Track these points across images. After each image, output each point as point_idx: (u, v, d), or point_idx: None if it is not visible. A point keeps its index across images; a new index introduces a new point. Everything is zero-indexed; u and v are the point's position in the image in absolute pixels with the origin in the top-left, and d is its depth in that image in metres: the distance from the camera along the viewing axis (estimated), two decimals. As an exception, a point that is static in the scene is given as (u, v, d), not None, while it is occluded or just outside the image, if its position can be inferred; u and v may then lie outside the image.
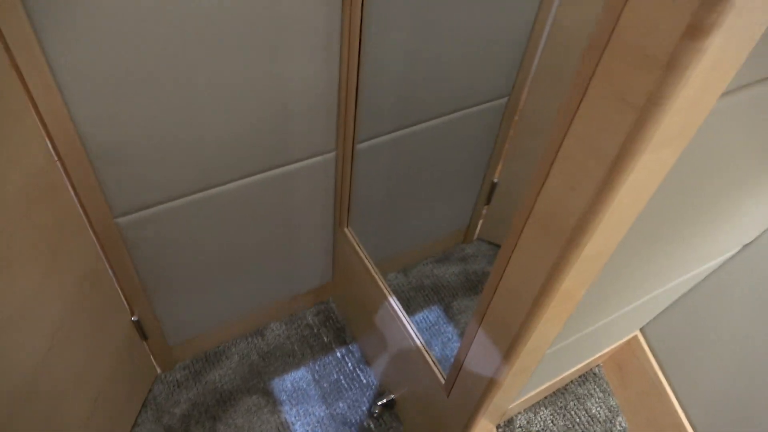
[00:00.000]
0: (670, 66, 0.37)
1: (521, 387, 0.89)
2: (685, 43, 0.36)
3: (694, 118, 0.44)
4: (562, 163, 0.51)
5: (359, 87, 0.92)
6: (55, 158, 0.73)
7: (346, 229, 1.19)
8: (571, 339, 0.83)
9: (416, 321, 1.46)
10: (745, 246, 0.98)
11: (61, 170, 0.75)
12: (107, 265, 0.92)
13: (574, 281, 0.60)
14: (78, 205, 0.81)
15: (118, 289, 0.98)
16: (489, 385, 0.81)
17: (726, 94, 0.44)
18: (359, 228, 1.20)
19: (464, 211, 1.49)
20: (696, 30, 0.35)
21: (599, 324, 0.86)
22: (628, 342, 1.13)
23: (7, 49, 0.62)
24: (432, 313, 1.48)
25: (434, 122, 1.12)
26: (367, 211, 1.22)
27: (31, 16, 0.60)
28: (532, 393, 1.00)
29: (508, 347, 0.72)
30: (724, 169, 0.61)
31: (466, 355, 0.84)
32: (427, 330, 1.45)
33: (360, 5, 0.82)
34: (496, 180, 1.43)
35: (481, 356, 0.80)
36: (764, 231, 0.95)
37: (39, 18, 0.61)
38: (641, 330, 1.12)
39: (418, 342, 1.05)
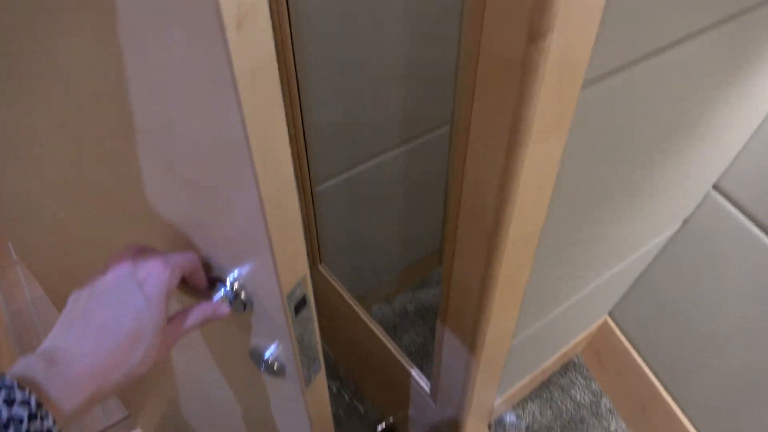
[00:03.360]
0: (524, 65, 0.46)
1: (498, 380, 0.95)
2: (531, 46, 0.45)
3: (565, 108, 0.52)
4: (471, 161, 0.59)
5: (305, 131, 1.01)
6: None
7: (320, 267, 1.26)
8: (534, 327, 0.90)
9: (405, 345, 1.52)
10: (686, 220, 1.07)
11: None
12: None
13: (512, 265, 0.67)
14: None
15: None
16: (465, 381, 0.87)
17: (588, 84, 0.53)
18: (334, 265, 1.27)
19: (434, 233, 1.57)
20: (535, 34, 0.44)
21: (558, 311, 0.93)
22: (600, 328, 1.20)
23: None
24: (419, 336, 1.54)
25: (388, 155, 1.21)
26: (340, 247, 1.30)
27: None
28: (516, 388, 1.05)
29: (471, 339, 0.78)
30: (625, 150, 0.70)
31: (440, 357, 0.91)
32: (416, 352, 1.50)
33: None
34: (457, 199, 1.51)
35: (451, 356, 0.87)
36: (700, 203, 1.04)
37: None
38: (609, 314, 1.19)
39: (404, 363, 1.10)
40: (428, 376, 1.04)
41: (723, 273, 0.97)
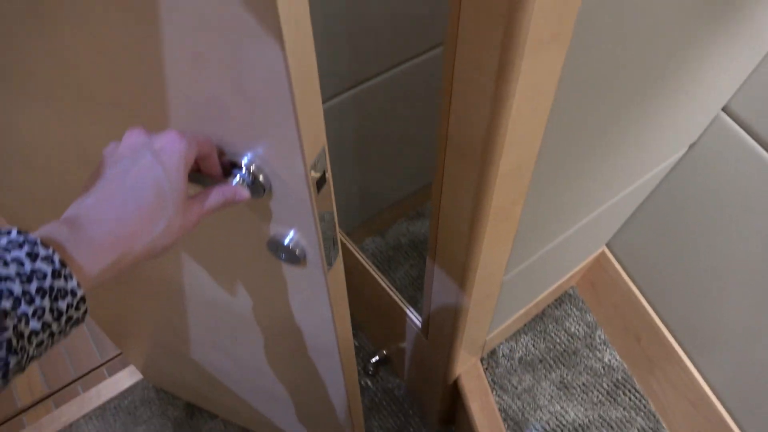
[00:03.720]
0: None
1: (490, 316, 0.92)
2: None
3: (565, 17, 0.46)
4: (458, 86, 0.53)
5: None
6: None
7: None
8: (528, 262, 0.86)
9: (399, 278, 1.49)
10: (692, 146, 1.01)
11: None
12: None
13: (503, 199, 0.62)
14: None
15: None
16: (456, 318, 0.85)
17: (592, -11, 0.46)
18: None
19: (429, 164, 1.52)
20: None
21: (554, 244, 0.89)
22: (597, 259, 1.17)
23: None
24: (414, 269, 1.52)
25: (378, 79, 1.13)
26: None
27: None
28: (509, 322, 1.03)
29: (461, 277, 0.75)
30: (631, 69, 0.63)
31: (431, 294, 0.88)
32: (411, 285, 1.48)
33: None
34: (452, 128, 1.44)
35: (442, 292, 0.84)
36: (707, 128, 0.98)
37: None
38: (607, 245, 1.16)
39: (395, 298, 1.08)
40: (421, 310, 1.02)
41: (729, 200, 0.93)
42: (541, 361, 1.08)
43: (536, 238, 0.82)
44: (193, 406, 1.32)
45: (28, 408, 1.33)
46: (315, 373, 0.79)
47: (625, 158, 0.83)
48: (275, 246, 0.50)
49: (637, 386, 1.05)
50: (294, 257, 0.50)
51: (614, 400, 1.03)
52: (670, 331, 1.05)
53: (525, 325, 1.13)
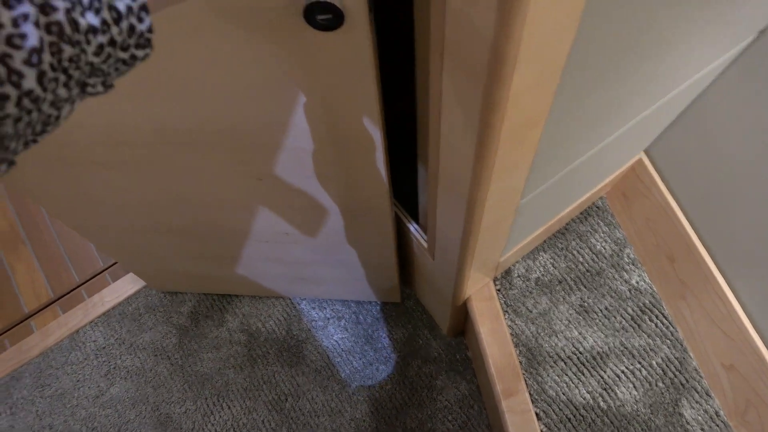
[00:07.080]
0: None
1: (504, 239, 0.82)
2: None
3: None
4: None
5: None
6: None
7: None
8: (551, 182, 0.74)
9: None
10: (762, 32, 0.82)
11: None
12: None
13: (517, 121, 0.49)
14: None
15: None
16: (464, 244, 0.74)
17: None
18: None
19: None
20: None
21: (583, 159, 0.76)
22: (632, 167, 1.03)
23: None
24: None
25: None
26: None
27: None
28: (526, 241, 0.93)
29: (468, 206, 0.63)
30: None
31: (435, 219, 0.77)
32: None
33: None
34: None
35: (446, 217, 0.73)
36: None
37: None
38: (645, 152, 1.01)
39: (398, 212, 0.97)
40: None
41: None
42: (560, 282, 0.98)
43: (561, 156, 0.69)
44: (198, 314, 1.29)
45: (35, 313, 1.33)
46: (359, 174, 0.75)
47: (679, 50, 0.66)
48: (314, 7, 0.47)
49: (666, 312, 0.96)
50: (337, 14, 0.48)
51: (638, 326, 0.94)
52: (709, 252, 0.93)
53: (544, 241, 1.02)
